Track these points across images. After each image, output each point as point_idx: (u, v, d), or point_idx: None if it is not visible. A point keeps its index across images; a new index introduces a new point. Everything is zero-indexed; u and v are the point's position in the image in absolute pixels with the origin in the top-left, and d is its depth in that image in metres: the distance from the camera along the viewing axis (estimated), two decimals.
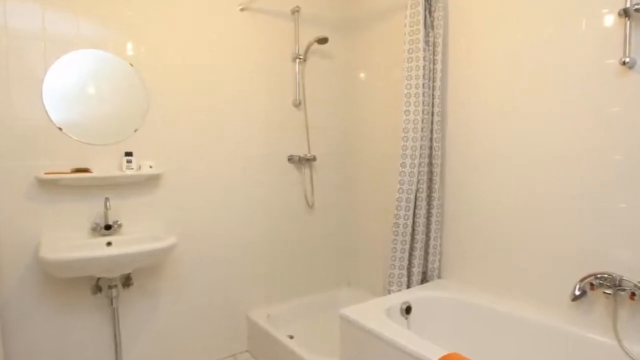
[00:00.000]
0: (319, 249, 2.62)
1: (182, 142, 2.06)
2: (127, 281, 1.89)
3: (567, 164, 1.57)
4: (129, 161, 1.86)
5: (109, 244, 1.78)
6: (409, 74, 1.93)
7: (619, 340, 1.38)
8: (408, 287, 2.01)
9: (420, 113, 1.91)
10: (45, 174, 1.67)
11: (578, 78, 1.52)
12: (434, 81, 1.96)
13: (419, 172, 1.96)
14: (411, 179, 1.94)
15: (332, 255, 2.69)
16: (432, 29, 1.96)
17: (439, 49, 1.93)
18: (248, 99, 2.26)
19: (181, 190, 2.07)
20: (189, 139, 2.08)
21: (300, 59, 2.40)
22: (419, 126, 1.91)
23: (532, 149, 1.68)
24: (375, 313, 1.64)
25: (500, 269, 1.82)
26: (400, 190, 1.95)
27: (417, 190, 1.97)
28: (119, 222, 1.88)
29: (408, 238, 1.97)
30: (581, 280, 1.47)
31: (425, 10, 1.91)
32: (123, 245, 1.79)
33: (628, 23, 1.36)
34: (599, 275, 1.45)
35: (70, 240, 1.75)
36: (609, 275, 1.43)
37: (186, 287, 2.12)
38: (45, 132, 1.72)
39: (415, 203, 1.98)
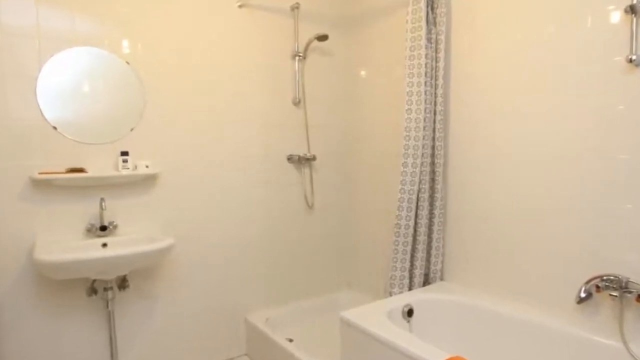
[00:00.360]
0: (318, 250, 2.62)
1: (180, 142, 2.06)
2: (123, 283, 1.89)
3: (571, 163, 1.57)
4: (124, 161, 1.86)
5: (104, 245, 1.78)
6: (411, 71, 1.93)
7: (625, 343, 1.39)
8: (410, 289, 2.01)
9: (422, 112, 1.91)
10: (39, 173, 1.67)
11: (583, 76, 1.52)
12: (436, 79, 1.97)
13: (421, 172, 1.96)
14: (413, 178, 1.94)
15: (332, 257, 2.69)
16: (435, 25, 1.96)
17: (442, 46, 1.93)
18: (247, 97, 2.26)
19: (178, 191, 2.07)
20: (187, 138, 2.08)
21: (299, 56, 2.40)
22: (421, 125, 1.91)
23: (536, 149, 1.68)
24: (376, 316, 1.64)
25: (504, 270, 1.82)
26: (402, 191, 1.95)
27: (419, 191, 1.97)
28: (114, 223, 1.88)
29: (410, 239, 1.97)
30: (587, 283, 1.47)
31: (427, 7, 1.91)
32: (119, 246, 1.79)
33: (634, 20, 1.36)
34: (604, 277, 1.45)
35: (65, 242, 1.75)
36: (615, 277, 1.43)
37: (183, 289, 2.12)
38: (39, 131, 1.72)
39: (417, 203, 1.98)
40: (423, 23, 1.88)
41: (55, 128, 1.74)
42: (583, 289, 1.46)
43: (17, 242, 1.70)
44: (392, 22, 2.33)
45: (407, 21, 1.94)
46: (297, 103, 2.45)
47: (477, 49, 1.89)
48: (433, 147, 2.00)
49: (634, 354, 1.36)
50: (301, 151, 2.49)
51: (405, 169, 1.95)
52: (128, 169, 1.86)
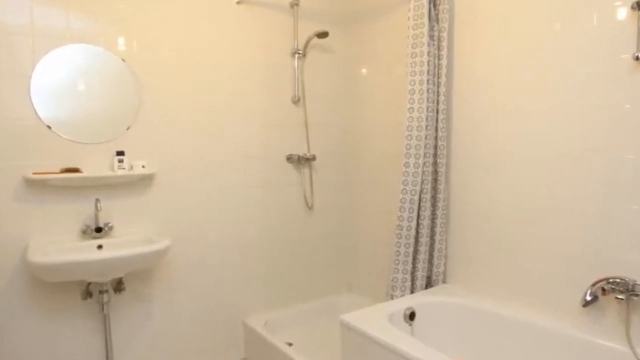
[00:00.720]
0: (318, 252, 2.62)
1: (177, 141, 2.06)
2: (118, 286, 1.89)
3: (577, 163, 1.57)
4: (120, 160, 1.85)
5: (99, 247, 1.78)
6: (413, 69, 1.93)
7: (631, 347, 1.39)
8: (412, 292, 2.01)
9: (425, 110, 1.91)
10: (34, 174, 1.67)
11: (588, 74, 1.52)
12: (438, 77, 1.96)
13: (423, 172, 1.96)
14: (415, 179, 1.94)
15: (332, 259, 2.69)
16: (437, 22, 1.95)
17: (444, 43, 1.93)
18: (245, 96, 2.26)
19: (175, 191, 2.07)
20: (184, 138, 2.08)
21: (299, 54, 2.40)
22: (423, 124, 1.91)
23: (541, 148, 1.68)
24: (377, 319, 1.64)
25: (508, 273, 1.82)
26: (404, 191, 1.95)
27: (421, 191, 1.97)
28: (110, 224, 1.88)
29: (412, 241, 1.97)
30: (592, 285, 1.47)
31: (429, 3, 1.91)
32: (114, 248, 1.79)
33: None
34: (610, 280, 1.44)
35: (59, 243, 1.75)
36: (622, 279, 1.42)
37: (181, 292, 2.12)
38: (33, 131, 1.71)
39: (419, 204, 1.98)
40: (425, 20, 1.88)
41: (49, 127, 1.74)
42: (589, 291, 1.46)
43: (10, 243, 1.70)
44: (394, 19, 2.33)
45: (408, 18, 1.94)
46: (296, 102, 2.44)
47: (480, 47, 1.89)
48: (435, 147, 2.00)
49: None
50: (301, 151, 2.48)
51: (407, 169, 1.95)
52: (124, 169, 1.86)
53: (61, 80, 1.76)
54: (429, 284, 2.07)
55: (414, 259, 2.02)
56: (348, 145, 2.68)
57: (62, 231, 1.79)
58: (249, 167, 2.30)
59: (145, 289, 2.02)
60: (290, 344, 2.15)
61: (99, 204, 1.79)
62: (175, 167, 2.06)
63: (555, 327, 1.58)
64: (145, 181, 1.98)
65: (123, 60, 1.89)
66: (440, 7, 1.94)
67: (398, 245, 1.98)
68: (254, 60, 2.28)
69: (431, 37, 1.93)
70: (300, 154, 2.45)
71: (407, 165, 1.95)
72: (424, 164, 1.95)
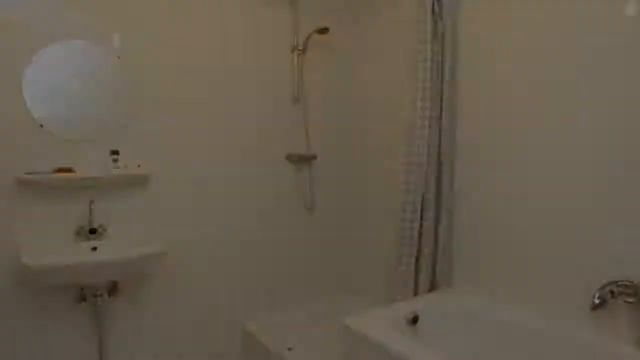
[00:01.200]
0: (319, 254, 2.62)
1: (173, 140, 2.06)
2: (113, 289, 1.89)
3: (586, 163, 1.56)
4: (115, 160, 1.85)
5: (94, 249, 1.78)
6: (416, 66, 1.93)
7: None
8: (415, 294, 2.01)
9: (428, 109, 1.90)
10: (26, 174, 1.67)
11: (600, 70, 1.52)
12: (442, 74, 1.96)
13: (426, 172, 1.95)
14: (418, 179, 1.94)
15: (333, 261, 2.69)
16: (441, 17, 1.95)
17: (449, 39, 1.93)
18: (244, 94, 2.26)
19: (172, 192, 2.06)
20: (181, 137, 2.07)
21: (299, 50, 2.40)
22: (427, 123, 1.91)
23: (548, 148, 1.68)
24: (379, 323, 1.63)
25: (514, 276, 1.81)
26: (407, 191, 1.95)
27: (424, 192, 1.97)
28: (104, 226, 1.87)
29: (415, 242, 1.97)
30: (601, 288, 1.46)
31: None
32: (109, 250, 1.79)
33: None
34: (620, 283, 1.44)
35: (53, 245, 1.75)
36: (631, 282, 1.42)
37: (177, 295, 2.11)
38: (25, 129, 1.71)
39: (422, 205, 1.98)
40: (429, 16, 1.88)
41: (42, 126, 1.74)
42: (597, 295, 1.45)
43: (2, 245, 1.69)
44: (396, 15, 2.33)
45: (412, 13, 1.94)
46: (296, 99, 2.44)
47: (487, 43, 1.88)
48: (439, 146, 1.99)
49: None
50: (301, 150, 2.48)
51: (410, 169, 1.94)
52: (118, 168, 1.85)
53: (54, 78, 1.75)
54: (432, 287, 2.06)
55: (418, 261, 2.02)
56: (349, 144, 2.68)
57: (55, 233, 1.79)
58: (248, 166, 2.29)
59: (140, 293, 2.01)
60: (290, 349, 2.15)
61: (92, 205, 1.78)
62: (171, 166, 2.06)
63: (563, 332, 1.57)
64: (140, 181, 1.98)
65: (118, 57, 1.89)
66: (445, 2, 1.93)
67: (401, 246, 1.97)
68: (253, 57, 2.28)
69: (435, 33, 1.93)
70: (301, 153, 2.45)
71: (410, 164, 1.94)
72: (428, 163, 1.95)
